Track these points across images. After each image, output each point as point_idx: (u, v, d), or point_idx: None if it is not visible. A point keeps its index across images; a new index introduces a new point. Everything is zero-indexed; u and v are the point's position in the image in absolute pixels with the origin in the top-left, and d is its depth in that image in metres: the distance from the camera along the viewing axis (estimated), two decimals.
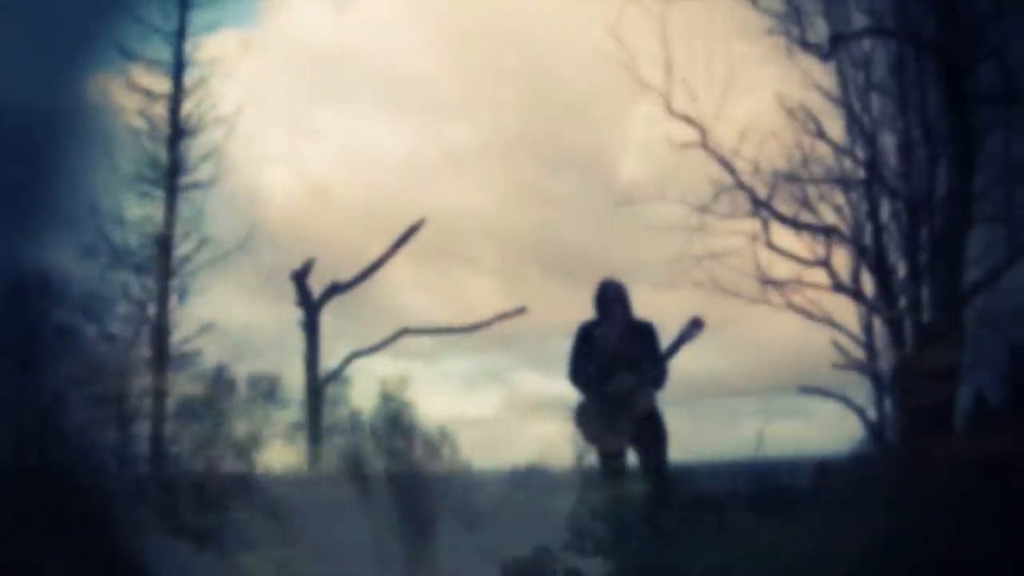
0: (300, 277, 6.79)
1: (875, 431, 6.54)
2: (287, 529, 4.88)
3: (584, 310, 4.90)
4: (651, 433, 4.69)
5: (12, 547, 3.77)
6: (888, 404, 6.64)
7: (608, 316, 4.75)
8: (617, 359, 4.69)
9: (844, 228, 6.87)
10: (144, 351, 6.58)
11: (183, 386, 6.60)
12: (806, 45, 6.74)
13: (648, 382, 4.63)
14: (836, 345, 6.75)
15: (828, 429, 6.60)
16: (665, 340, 4.68)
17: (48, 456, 5.34)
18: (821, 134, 6.88)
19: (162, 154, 6.87)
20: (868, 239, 6.83)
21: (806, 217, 6.86)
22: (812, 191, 6.88)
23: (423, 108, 7.10)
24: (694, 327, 4.61)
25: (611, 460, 4.76)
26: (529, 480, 6.09)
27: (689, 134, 6.83)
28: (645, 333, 4.74)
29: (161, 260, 6.62)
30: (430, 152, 7.22)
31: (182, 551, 4.50)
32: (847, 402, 6.58)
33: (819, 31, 6.76)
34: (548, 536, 4.31)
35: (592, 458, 5.06)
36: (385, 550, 4.72)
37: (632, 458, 4.80)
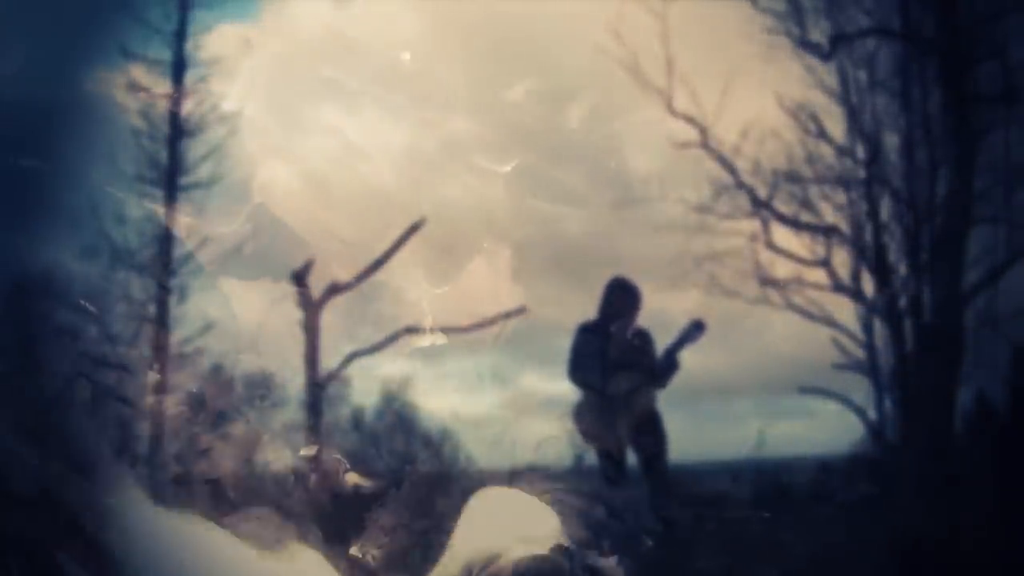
0: (300, 277, 6.77)
1: (875, 431, 6.56)
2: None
3: (585, 309, 4.90)
4: (651, 434, 4.72)
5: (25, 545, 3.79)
6: (888, 404, 6.67)
7: (620, 317, 4.78)
8: (619, 360, 4.72)
9: (844, 228, 6.90)
10: (144, 350, 6.57)
11: (183, 385, 6.59)
12: (807, 45, 6.76)
13: (651, 383, 4.66)
14: (836, 345, 6.77)
15: (828, 429, 6.61)
16: (666, 341, 4.70)
17: (50, 455, 5.34)
18: (822, 133, 6.89)
19: (162, 154, 6.86)
20: (868, 239, 6.85)
21: (806, 217, 6.88)
22: (813, 191, 6.91)
23: (424, 104, 7.04)
24: (695, 329, 4.65)
25: (610, 460, 4.78)
26: (529, 480, 6.08)
27: (689, 133, 6.84)
28: (643, 335, 4.77)
29: (161, 259, 6.62)
30: (432, 147, 7.18)
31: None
32: (847, 402, 6.58)
33: (820, 30, 6.78)
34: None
35: (591, 457, 5.08)
36: (387, 549, 4.73)
37: (630, 458, 4.81)
